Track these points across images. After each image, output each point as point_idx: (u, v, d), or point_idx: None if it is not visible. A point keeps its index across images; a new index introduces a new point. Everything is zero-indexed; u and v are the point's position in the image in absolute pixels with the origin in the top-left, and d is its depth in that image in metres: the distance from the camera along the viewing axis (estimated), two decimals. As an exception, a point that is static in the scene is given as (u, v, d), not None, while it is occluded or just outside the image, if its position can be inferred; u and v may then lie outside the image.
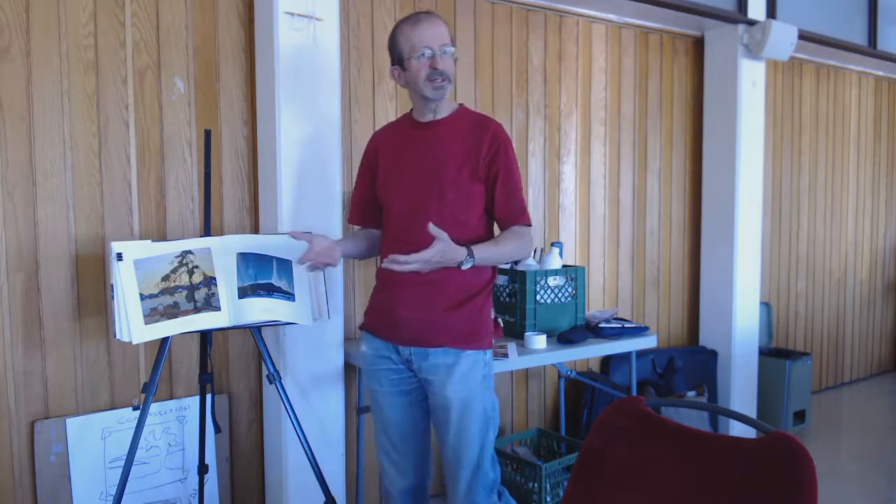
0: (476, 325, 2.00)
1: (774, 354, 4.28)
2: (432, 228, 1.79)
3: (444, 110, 2.01)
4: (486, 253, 1.91)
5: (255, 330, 2.26)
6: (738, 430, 3.78)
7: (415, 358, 2.00)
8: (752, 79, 3.91)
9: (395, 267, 1.80)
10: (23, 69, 2.26)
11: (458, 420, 1.97)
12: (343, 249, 2.10)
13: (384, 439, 2.12)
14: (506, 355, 2.64)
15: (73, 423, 2.36)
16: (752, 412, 4.07)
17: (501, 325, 2.98)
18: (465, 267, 1.86)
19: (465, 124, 2.00)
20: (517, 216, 1.99)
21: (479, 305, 2.01)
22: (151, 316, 2.04)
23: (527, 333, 2.82)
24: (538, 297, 2.93)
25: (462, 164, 1.94)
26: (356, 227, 2.28)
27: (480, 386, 1.99)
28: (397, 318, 1.99)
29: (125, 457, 2.07)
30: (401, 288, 1.98)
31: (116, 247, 2.02)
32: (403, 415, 2.07)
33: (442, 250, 1.80)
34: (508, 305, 2.99)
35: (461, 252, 1.84)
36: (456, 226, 1.91)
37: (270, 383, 2.27)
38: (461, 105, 2.07)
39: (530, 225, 2.02)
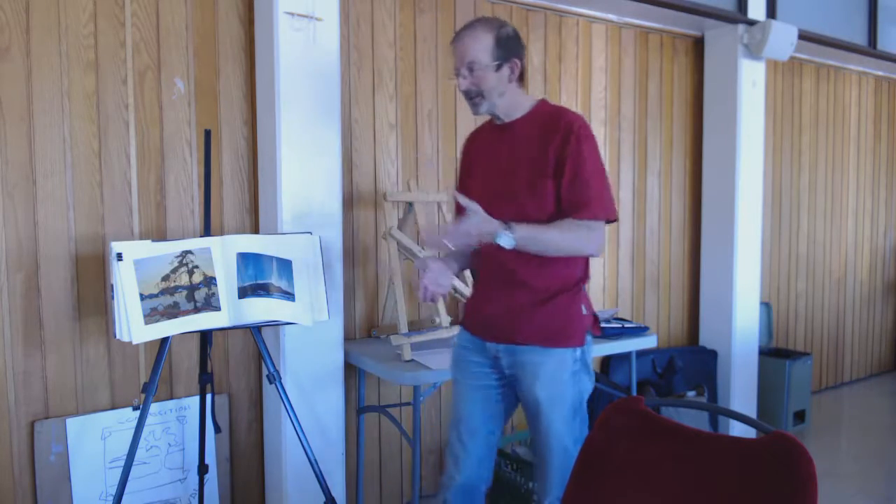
0: (563, 322, 1.96)
1: (774, 354, 4.28)
2: (462, 199, 1.80)
3: (519, 110, 1.98)
4: (528, 232, 1.82)
5: (255, 330, 2.27)
6: (738, 430, 3.78)
7: (503, 355, 2.00)
8: (752, 79, 3.91)
9: (440, 248, 1.84)
10: (23, 69, 2.26)
11: (547, 418, 1.96)
12: (457, 267, 2.09)
13: (453, 430, 2.13)
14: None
15: (73, 423, 2.36)
16: (752, 412, 4.07)
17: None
18: (501, 242, 1.79)
19: (539, 122, 1.95)
20: (577, 208, 1.87)
21: (567, 303, 1.97)
22: (151, 316, 2.04)
23: (527, 333, 2.81)
24: (538, 297, 2.92)
25: (533, 163, 1.92)
26: None
27: (570, 382, 1.97)
28: (486, 315, 2.00)
29: (125, 457, 2.08)
30: (489, 286, 2.01)
31: (116, 247, 2.02)
32: (476, 409, 2.07)
33: (476, 223, 1.78)
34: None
35: (495, 224, 1.79)
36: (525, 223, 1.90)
37: (270, 383, 2.27)
38: (541, 101, 2.02)
39: (596, 218, 1.88)
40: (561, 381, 1.95)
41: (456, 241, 1.80)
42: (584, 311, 2.01)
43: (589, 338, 2.02)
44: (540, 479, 2.06)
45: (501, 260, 1.92)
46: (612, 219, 1.94)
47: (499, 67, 1.91)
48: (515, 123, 1.99)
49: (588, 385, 2.04)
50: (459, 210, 2.07)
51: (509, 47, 1.92)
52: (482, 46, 1.89)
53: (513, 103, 1.97)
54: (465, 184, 2.11)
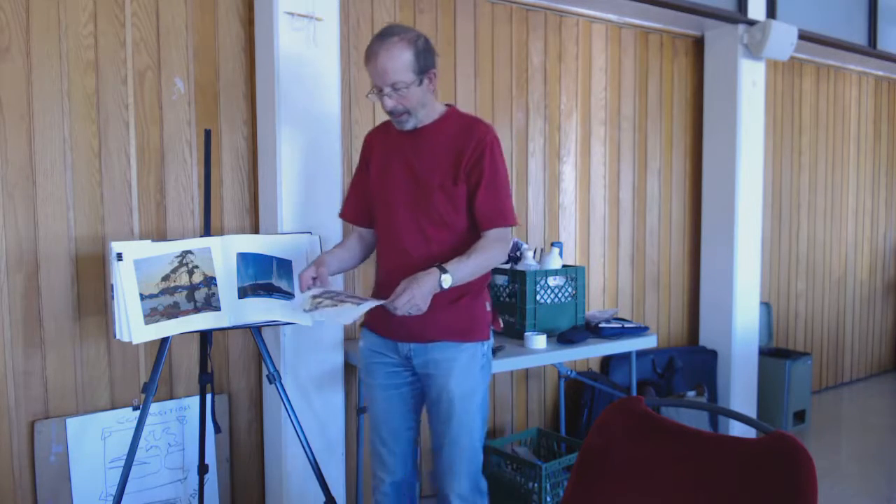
0: (473, 318, 2.05)
1: (774, 354, 4.28)
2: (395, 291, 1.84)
3: (429, 117, 2.02)
4: (460, 268, 1.90)
5: (255, 330, 2.27)
6: (738, 430, 3.78)
7: (415, 354, 2.04)
8: (752, 79, 3.91)
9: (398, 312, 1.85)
10: (23, 69, 2.26)
11: (459, 412, 2.02)
12: (336, 267, 2.11)
13: (374, 435, 2.16)
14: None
15: (73, 423, 2.36)
16: (752, 412, 4.07)
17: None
18: (446, 286, 1.85)
19: (451, 129, 2.01)
20: (495, 218, 1.98)
21: (475, 300, 2.06)
22: (151, 316, 2.04)
23: (527, 333, 2.82)
24: (538, 297, 2.92)
25: (448, 169, 1.97)
26: (351, 227, 2.28)
27: (479, 375, 2.06)
28: (397, 316, 1.94)
29: (125, 457, 2.07)
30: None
31: (116, 247, 2.02)
32: (394, 409, 2.12)
33: (412, 289, 1.81)
34: (508, 305, 2.99)
35: (434, 273, 1.85)
36: (445, 230, 1.99)
37: (270, 383, 2.27)
38: (449, 107, 2.07)
39: (510, 225, 2.01)
40: (472, 374, 2.04)
41: (404, 311, 1.83)
42: (488, 308, 2.11)
43: (491, 332, 2.13)
44: (446, 474, 2.08)
45: (410, 264, 1.94)
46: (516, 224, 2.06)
47: (420, 82, 1.93)
48: (426, 129, 2.01)
49: (489, 378, 2.12)
50: (358, 209, 2.16)
51: (426, 59, 1.94)
52: (404, 65, 1.89)
53: (429, 111, 2.01)
54: (363, 180, 2.15)
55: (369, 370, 2.14)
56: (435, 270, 1.85)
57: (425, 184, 1.98)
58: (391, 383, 2.10)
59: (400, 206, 2.02)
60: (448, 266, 1.88)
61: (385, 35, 1.91)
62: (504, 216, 1.99)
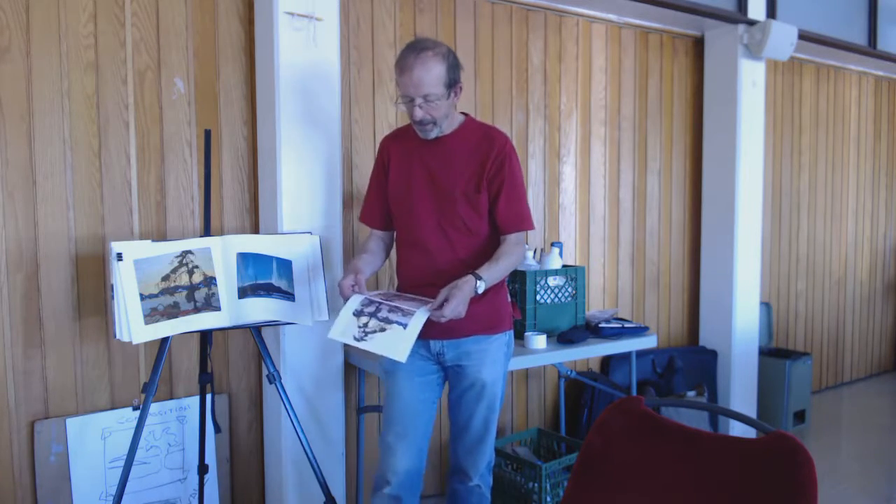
0: (498, 311, 2.18)
1: (774, 354, 4.28)
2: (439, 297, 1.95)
3: (450, 126, 2.11)
4: (492, 273, 2.03)
5: (255, 330, 2.27)
6: (738, 430, 3.78)
7: (447, 349, 2.13)
8: (752, 79, 3.91)
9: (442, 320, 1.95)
10: (23, 69, 2.26)
11: (489, 396, 2.15)
12: (369, 272, 2.19)
13: (393, 418, 2.17)
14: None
15: (73, 423, 2.36)
16: (752, 412, 4.07)
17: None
18: (480, 291, 1.98)
19: (471, 138, 2.12)
20: (518, 223, 2.12)
21: (499, 293, 2.18)
22: (151, 316, 2.04)
23: (527, 333, 2.82)
24: (538, 297, 2.93)
25: (470, 177, 2.08)
26: (370, 231, 2.32)
27: (503, 362, 2.20)
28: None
29: (125, 457, 2.08)
30: (427, 290, 2.08)
31: (116, 247, 2.02)
32: (419, 395, 2.17)
33: (457, 297, 1.92)
34: (508, 305, 2.99)
35: (471, 281, 1.96)
36: (468, 235, 2.11)
37: (270, 383, 2.27)
38: (467, 117, 2.17)
39: (529, 229, 2.17)
40: (501, 362, 2.19)
41: (452, 316, 1.93)
42: (509, 299, 2.27)
43: (513, 321, 2.27)
44: (470, 453, 2.19)
45: (436, 269, 2.09)
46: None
47: (448, 95, 2.03)
48: (448, 138, 2.12)
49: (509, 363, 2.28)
50: (380, 213, 2.24)
51: (455, 73, 2.04)
52: (437, 78, 1.98)
53: (450, 121, 2.11)
54: (381, 185, 2.22)
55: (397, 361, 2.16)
56: (471, 278, 1.97)
57: (449, 192, 2.08)
58: (419, 371, 2.16)
59: (423, 213, 2.12)
60: (481, 272, 2.00)
61: (419, 48, 1.98)
62: (523, 221, 2.14)
